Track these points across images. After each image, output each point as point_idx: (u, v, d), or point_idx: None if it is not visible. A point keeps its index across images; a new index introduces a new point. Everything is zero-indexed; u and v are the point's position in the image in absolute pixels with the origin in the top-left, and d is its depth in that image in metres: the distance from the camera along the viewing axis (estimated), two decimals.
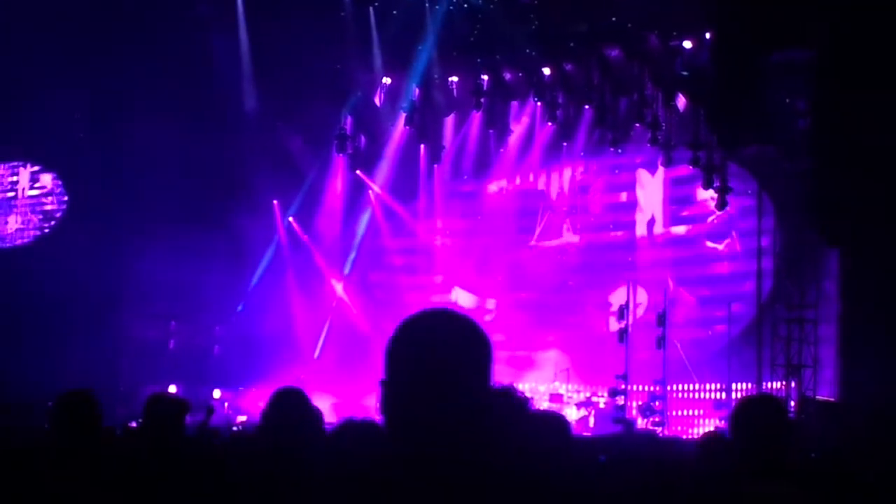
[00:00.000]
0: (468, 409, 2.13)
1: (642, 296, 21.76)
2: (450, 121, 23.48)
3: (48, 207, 22.37)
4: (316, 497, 2.18)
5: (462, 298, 24.03)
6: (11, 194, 22.77)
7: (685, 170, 20.17)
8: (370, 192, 24.27)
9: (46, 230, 22.24)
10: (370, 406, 17.63)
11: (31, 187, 22.68)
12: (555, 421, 3.91)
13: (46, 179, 22.51)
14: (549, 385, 20.63)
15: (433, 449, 2.10)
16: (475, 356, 2.17)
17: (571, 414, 19.13)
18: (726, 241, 21.16)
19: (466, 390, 2.13)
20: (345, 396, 19.70)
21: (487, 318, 23.59)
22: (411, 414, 2.11)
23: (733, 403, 17.86)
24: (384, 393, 2.16)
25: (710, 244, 21.43)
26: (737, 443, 3.73)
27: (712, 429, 15.98)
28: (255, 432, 5.06)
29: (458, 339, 2.17)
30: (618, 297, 21.21)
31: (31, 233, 22.44)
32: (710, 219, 21.28)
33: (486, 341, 2.20)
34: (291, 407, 4.56)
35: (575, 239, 23.29)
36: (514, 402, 3.38)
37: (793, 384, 17.07)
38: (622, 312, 19.87)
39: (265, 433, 4.53)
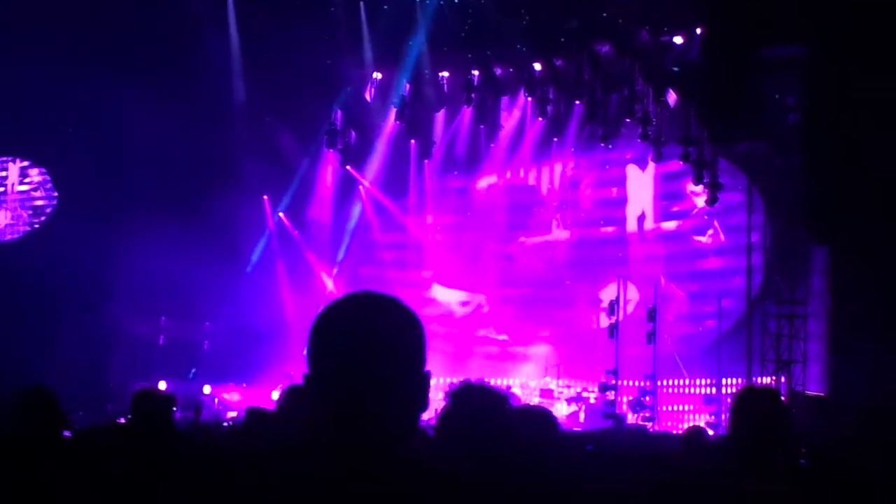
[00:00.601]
0: (398, 397, 1.99)
1: (633, 291, 21.79)
2: (440, 116, 23.43)
3: (38, 203, 22.25)
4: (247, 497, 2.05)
5: (441, 295, 24.01)
6: (1, 189, 22.65)
7: (676, 165, 20.18)
8: (360, 187, 24.22)
9: (36, 226, 22.14)
10: None
11: (21, 182, 22.57)
12: (540, 416, 3.84)
13: (36, 174, 22.40)
14: (539, 380, 20.66)
15: (363, 444, 1.97)
16: (402, 339, 2.03)
17: (562, 409, 19.15)
18: (709, 233, 21.23)
19: (395, 377, 1.99)
20: None
21: (463, 311, 23.63)
22: (339, 408, 1.98)
23: (723, 398, 17.95)
24: (308, 388, 2.02)
25: (696, 238, 21.51)
26: (735, 433, 3.65)
27: (693, 424, 16.01)
28: (257, 427, 5.06)
29: (382, 322, 2.02)
30: (608, 293, 21.23)
31: (21, 228, 22.33)
32: (693, 211, 21.35)
33: (413, 322, 2.05)
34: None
35: (565, 234, 23.29)
36: (493, 398, 3.31)
37: (782, 379, 17.13)
38: (612, 308, 19.90)
39: (279, 428, 4.56)
